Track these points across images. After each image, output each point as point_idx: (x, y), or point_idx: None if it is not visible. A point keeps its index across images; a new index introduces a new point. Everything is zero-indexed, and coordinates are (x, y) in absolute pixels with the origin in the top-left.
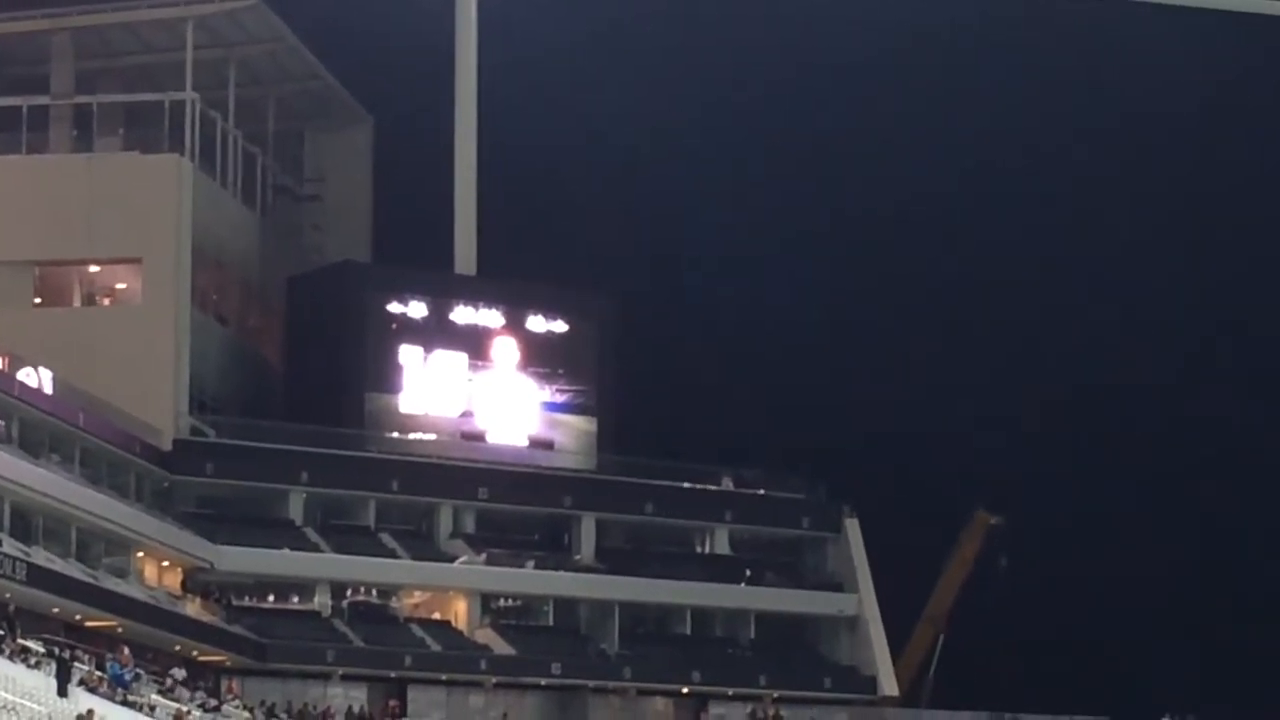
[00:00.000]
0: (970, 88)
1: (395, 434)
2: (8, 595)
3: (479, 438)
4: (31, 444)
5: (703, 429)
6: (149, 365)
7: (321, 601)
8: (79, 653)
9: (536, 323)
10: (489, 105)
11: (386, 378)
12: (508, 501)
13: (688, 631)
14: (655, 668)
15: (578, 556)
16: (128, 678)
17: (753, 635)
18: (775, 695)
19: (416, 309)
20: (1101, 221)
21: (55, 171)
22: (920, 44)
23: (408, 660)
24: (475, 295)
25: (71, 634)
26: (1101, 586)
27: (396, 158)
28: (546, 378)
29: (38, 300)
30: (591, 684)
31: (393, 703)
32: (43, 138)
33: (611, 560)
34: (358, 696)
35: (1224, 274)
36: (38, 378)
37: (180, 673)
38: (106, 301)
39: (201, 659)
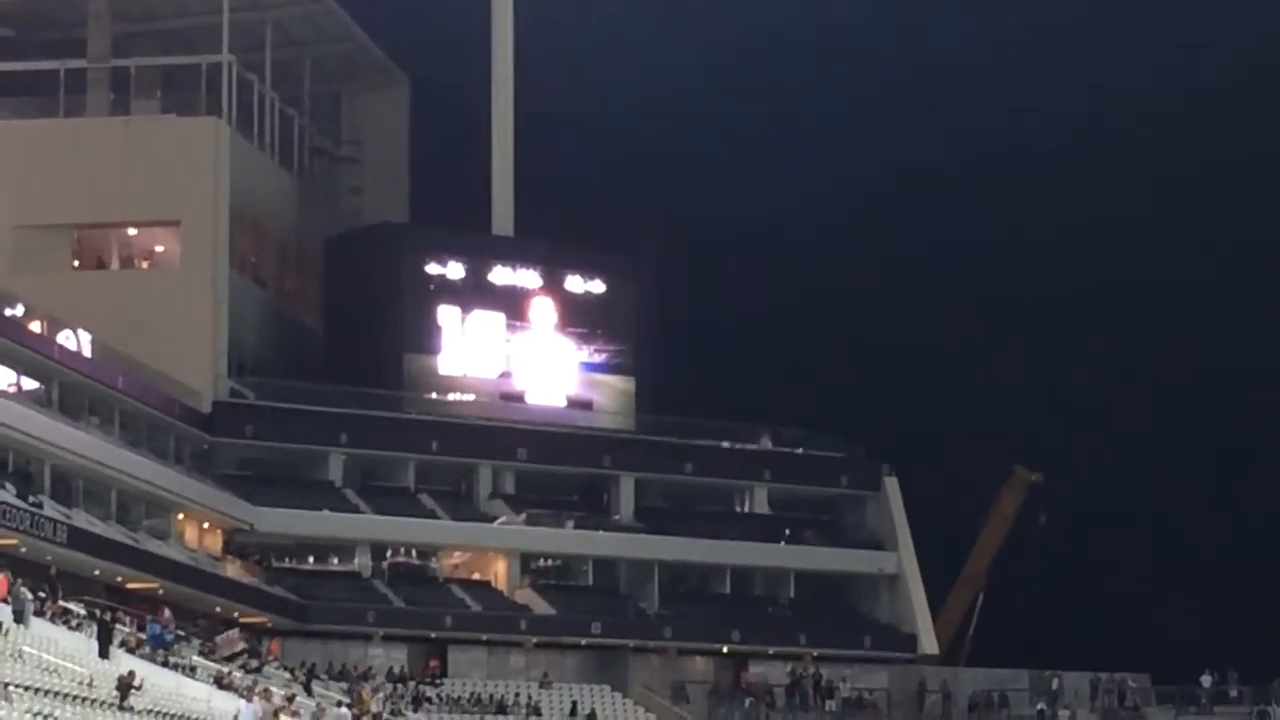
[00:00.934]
0: (989, 41)
1: (434, 395)
2: (49, 558)
3: (518, 398)
4: (71, 407)
5: (741, 388)
6: (188, 328)
7: (361, 562)
8: (120, 615)
9: (574, 283)
10: (526, 65)
11: (425, 339)
12: (547, 462)
13: (727, 591)
14: (695, 627)
15: (617, 516)
16: (168, 638)
17: (792, 594)
18: (815, 654)
19: (454, 270)
20: (1139, 171)
21: (93, 135)
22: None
23: (448, 621)
24: (513, 256)
25: (113, 596)
26: (1141, 543)
27: (433, 119)
28: (584, 338)
29: (76, 264)
30: (631, 643)
31: (433, 663)
32: (80, 101)
33: (651, 520)
34: (398, 657)
35: (1267, 215)
36: (77, 341)
37: (234, 631)
38: (145, 264)
39: (242, 620)
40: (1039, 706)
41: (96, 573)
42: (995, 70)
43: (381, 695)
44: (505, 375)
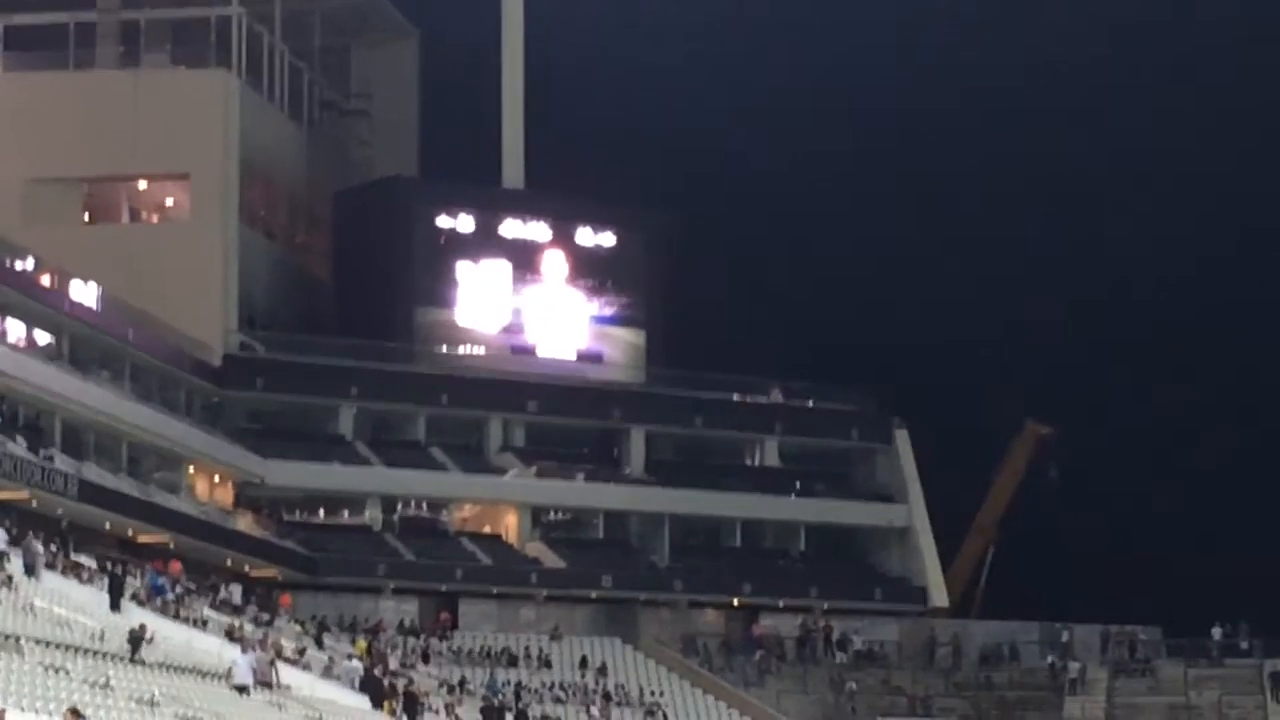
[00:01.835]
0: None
1: (444, 348)
2: (59, 511)
3: (528, 351)
4: (82, 360)
5: (751, 341)
6: (198, 281)
7: (372, 515)
8: (131, 568)
9: (585, 235)
10: (536, 17)
11: (435, 292)
12: (557, 415)
13: (738, 543)
14: (705, 580)
15: (627, 469)
16: (166, 588)
17: (803, 547)
18: (826, 606)
19: (464, 223)
20: (1145, 118)
21: (102, 88)
22: None
23: (458, 574)
24: (523, 209)
25: (124, 549)
26: (1152, 496)
27: (443, 72)
28: (595, 290)
29: (86, 217)
30: (642, 596)
31: (444, 616)
32: (89, 54)
33: (661, 473)
34: (408, 610)
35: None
36: (87, 294)
37: (236, 588)
38: (155, 218)
39: (253, 574)
40: (1049, 659)
41: (107, 526)
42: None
43: (399, 652)
44: (516, 328)
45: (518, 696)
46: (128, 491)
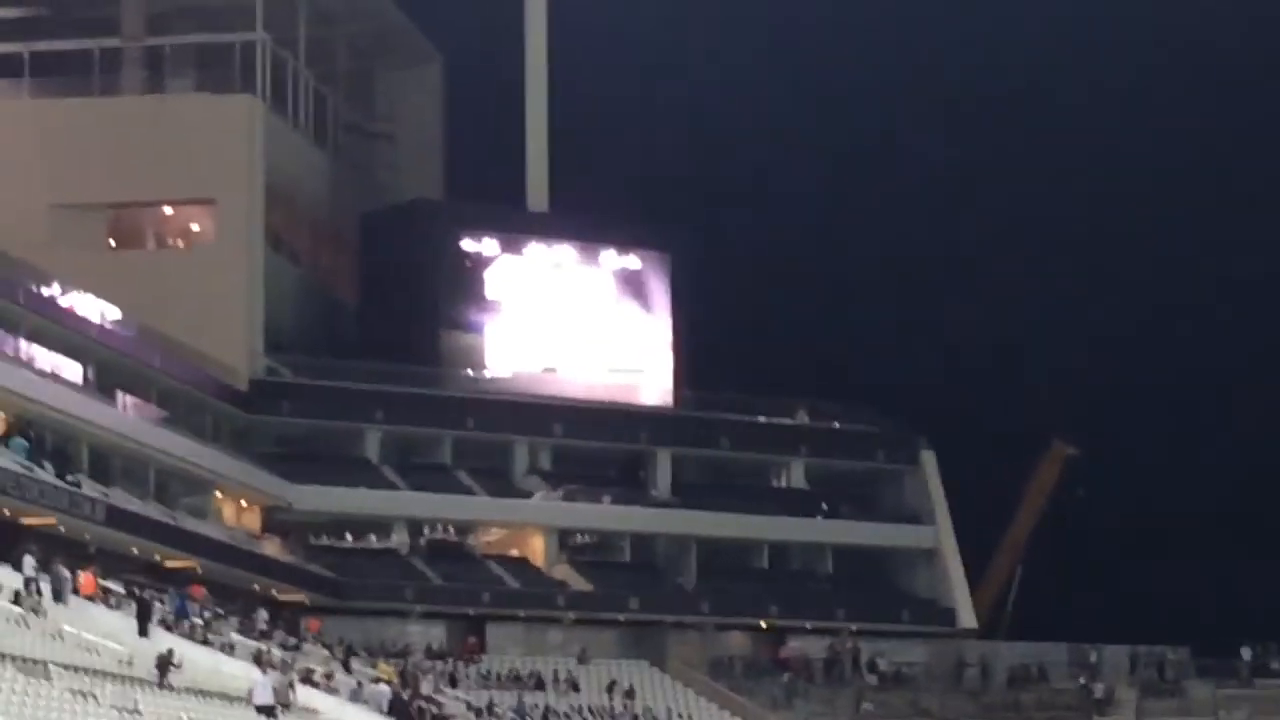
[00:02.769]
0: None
1: (470, 371)
2: (87, 536)
3: (554, 374)
4: (108, 386)
5: (777, 363)
6: (224, 306)
7: (399, 539)
8: (159, 593)
9: (609, 258)
10: (559, 40)
11: (461, 315)
12: (583, 437)
13: (765, 565)
14: (733, 602)
15: (654, 492)
16: (192, 612)
17: (830, 569)
18: (853, 628)
19: (490, 246)
20: (1174, 141)
21: (127, 113)
22: None
23: (485, 597)
24: (548, 231)
25: (151, 574)
26: (1180, 516)
27: (467, 95)
28: (620, 313)
29: (112, 242)
30: (669, 619)
31: (471, 639)
32: (115, 80)
33: (688, 495)
34: (436, 634)
35: None
36: (113, 320)
37: (263, 614)
38: (180, 243)
39: (280, 598)
40: (1078, 680)
41: (135, 551)
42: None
43: (432, 676)
44: (541, 351)
45: None
46: (155, 516)
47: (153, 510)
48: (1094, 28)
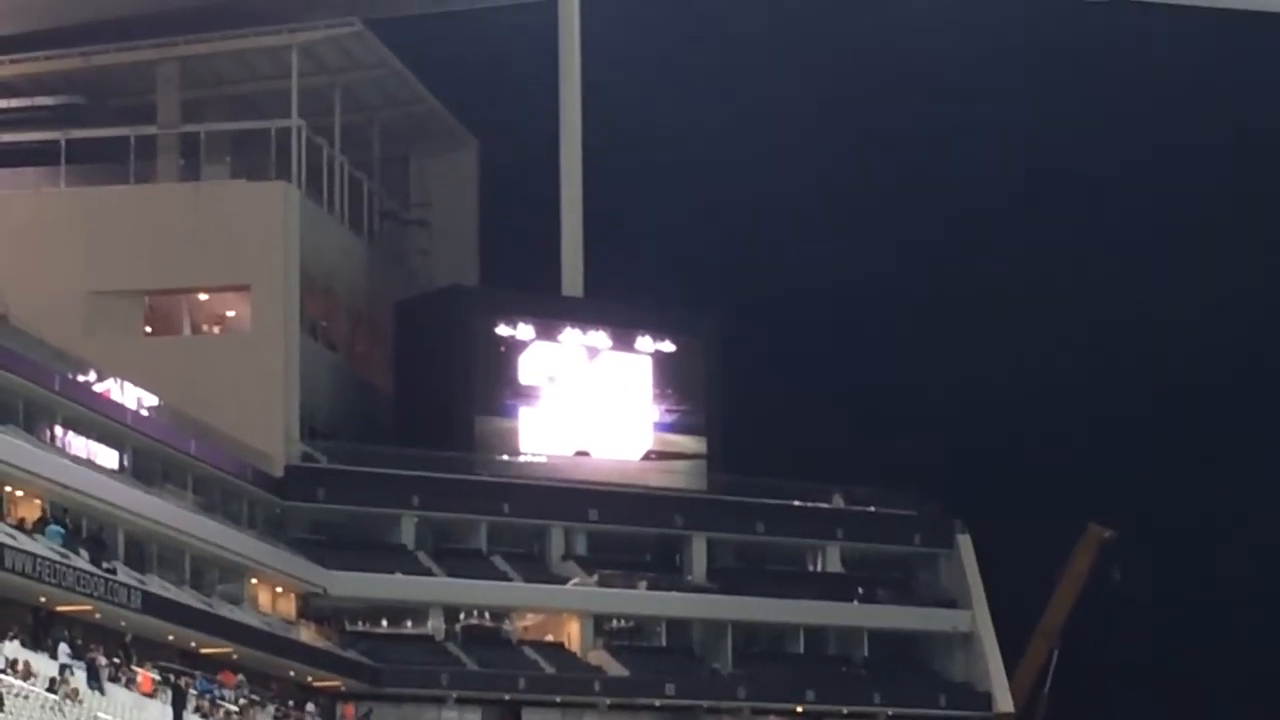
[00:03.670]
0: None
1: (505, 457)
2: (123, 623)
3: (589, 459)
4: (144, 473)
5: (812, 446)
6: (259, 392)
7: (435, 625)
8: (193, 679)
9: (644, 343)
10: (593, 126)
11: (495, 400)
12: (618, 522)
13: (801, 650)
14: (769, 687)
15: (689, 576)
16: (217, 692)
17: (866, 653)
18: (890, 713)
19: (525, 331)
20: (1204, 223)
21: (163, 200)
22: (1027, 55)
23: (522, 683)
24: (583, 317)
25: (187, 661)
26: (1219, 599)
27: (502, 181)
28: (655, 398)
29: (148, 329)
30: (705, 704)
31: None
32: (150, 167)
33: (723, 580)
34: (472, 719)
35: None
36: (149, 406)
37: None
38: (216, 329)
39: (316, 684)
40: None
41: (171, 638)
42: (1056, 123)
43: None
44: (576, 436)
45: None
46: (191, 603)
47: (188, 597)
48: (1138, 137)
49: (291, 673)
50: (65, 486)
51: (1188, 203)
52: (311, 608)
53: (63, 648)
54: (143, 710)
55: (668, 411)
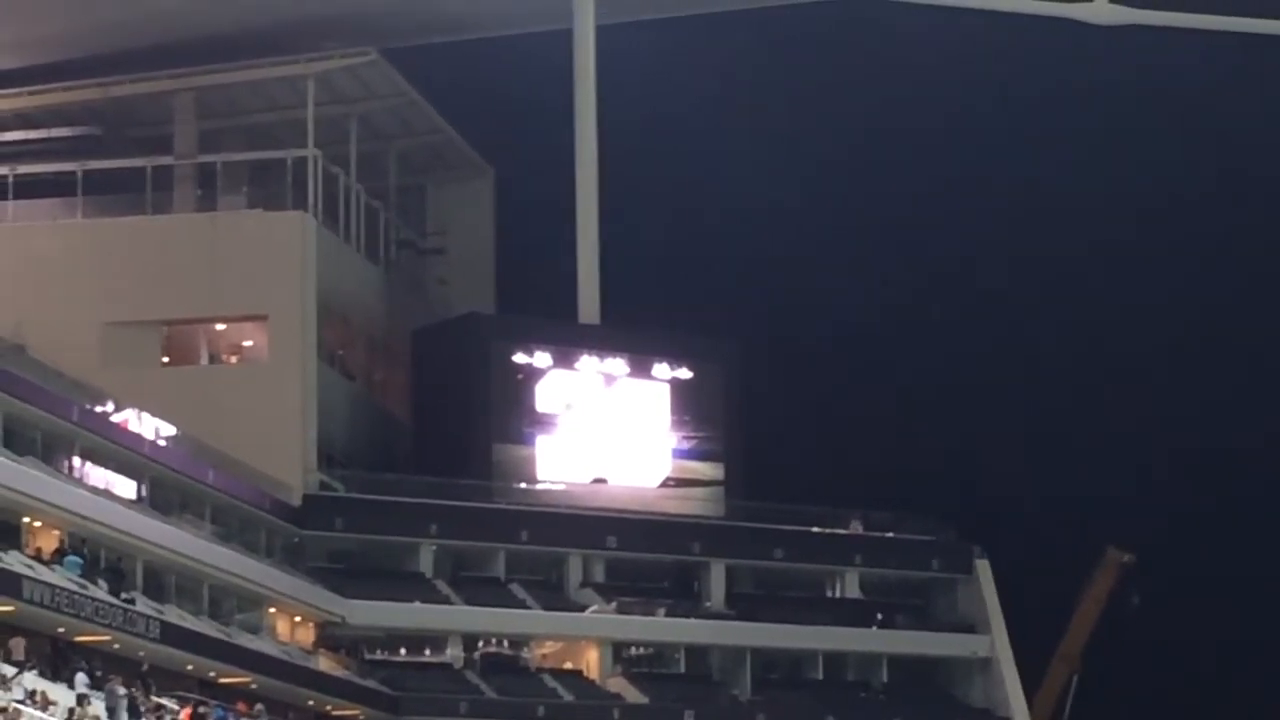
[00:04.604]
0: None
1: (523, 485)
2: (142, 654)
3: (607, 486)
4: (162, 503)
5: (830, 472)
6: (277, 421)
7: (453, 653)
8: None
9: (661, 370)
10: (609, 153)
11: (513, 428)
12: (637, 550)
13: (820, 676)
14: (788, 713)
15: (708, 603)
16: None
17: (885, 678)
18: None
19: (542, 359)
20: (1223, 259)
21: (180, 231)
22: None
23: (541, 710)
24: (600, 344)
25: (205, 690)
26: (1240, 622)
27: (518, 209)
28: (673, 424)
29: (165, 359)
30: None
31: None
32: (167, 197)
33: (742, 606)
34: None
35: None
36: (167, 437)
37: None
38: (233, 359)
39: (335, 713)
40: None
41: (189, 668)
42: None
43: None
44: (594, 464)
45: None
46: (209, 633)
47: (207, 627)
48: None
49: (310, 702)
50: (83, 517)
51: (1205, 223)
52: (330, 637)
53: (80, 678)
54: None
55: (685, 438)
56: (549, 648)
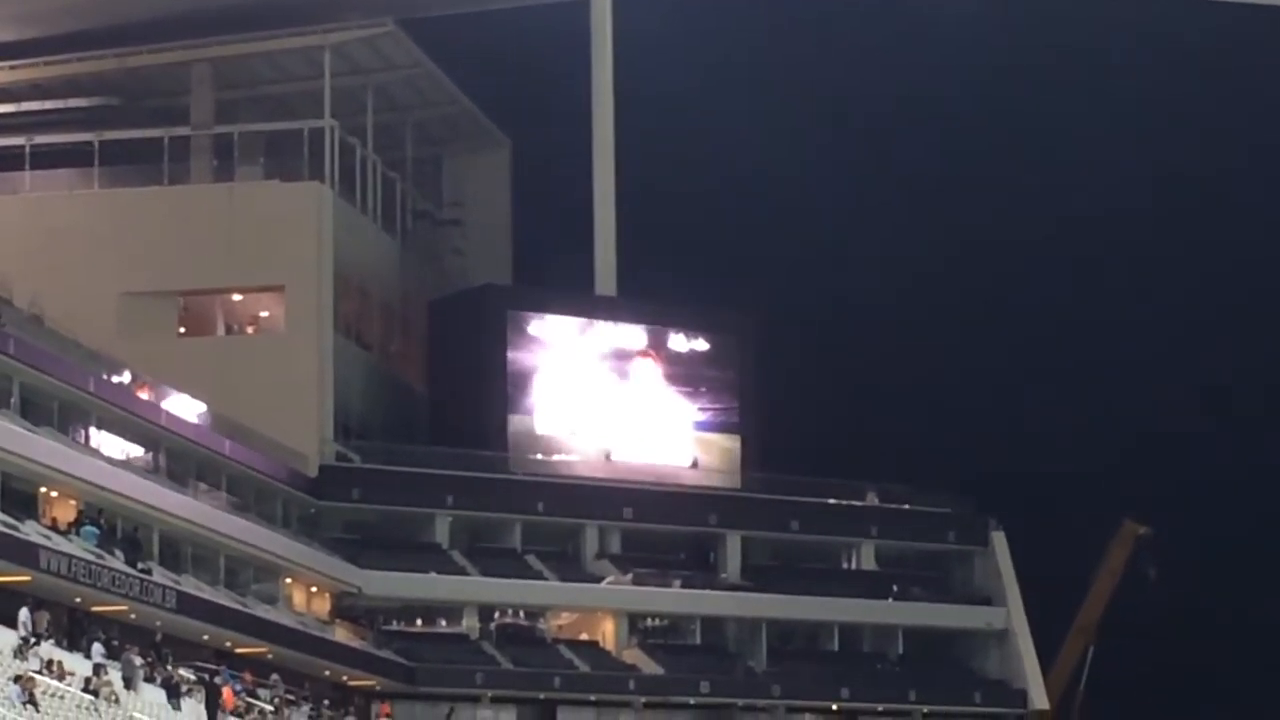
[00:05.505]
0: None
1: (539, 456)
2: (158, 623)
3: (623, 458)
4: (179, 473)
5: (846, 444)
6: (293, 392)
7: (469, 624)
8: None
9: (678, 341)
10: (626, 125)
11: (529, 400)
12: (653, 521)
13: (836, 648)
14: (804, 684)
15: (724, 575)
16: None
17: (901, 650)
18: (925, 710)
19: (558, 330)
20: (1245, 226)
21: (197, 201)
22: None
23: (556, 681)
24: (616, 315)
25: (221, 661)
26: (1256, 595)
27: (535, 179)
28: (689, 396)
29: (182, 330)
30: (740, 702)
31: None
32: (184, 168)
33: (758, 578)
34: (507, 718)
35: None
36: (183, 407)
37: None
38: (250, 329)
39: (351, 683)
40: None
41: (205, 638)
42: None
43: None
44: (610, 435)
45: None
46: (225, 603)
47: (223, 597)
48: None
49: (326, 672)
50: (100, 487)
51: (1226, 205)
52: (346, 607)
53: (97, 648)
54: (177, 710)
55: (701, 410)
56: (565, 619)
